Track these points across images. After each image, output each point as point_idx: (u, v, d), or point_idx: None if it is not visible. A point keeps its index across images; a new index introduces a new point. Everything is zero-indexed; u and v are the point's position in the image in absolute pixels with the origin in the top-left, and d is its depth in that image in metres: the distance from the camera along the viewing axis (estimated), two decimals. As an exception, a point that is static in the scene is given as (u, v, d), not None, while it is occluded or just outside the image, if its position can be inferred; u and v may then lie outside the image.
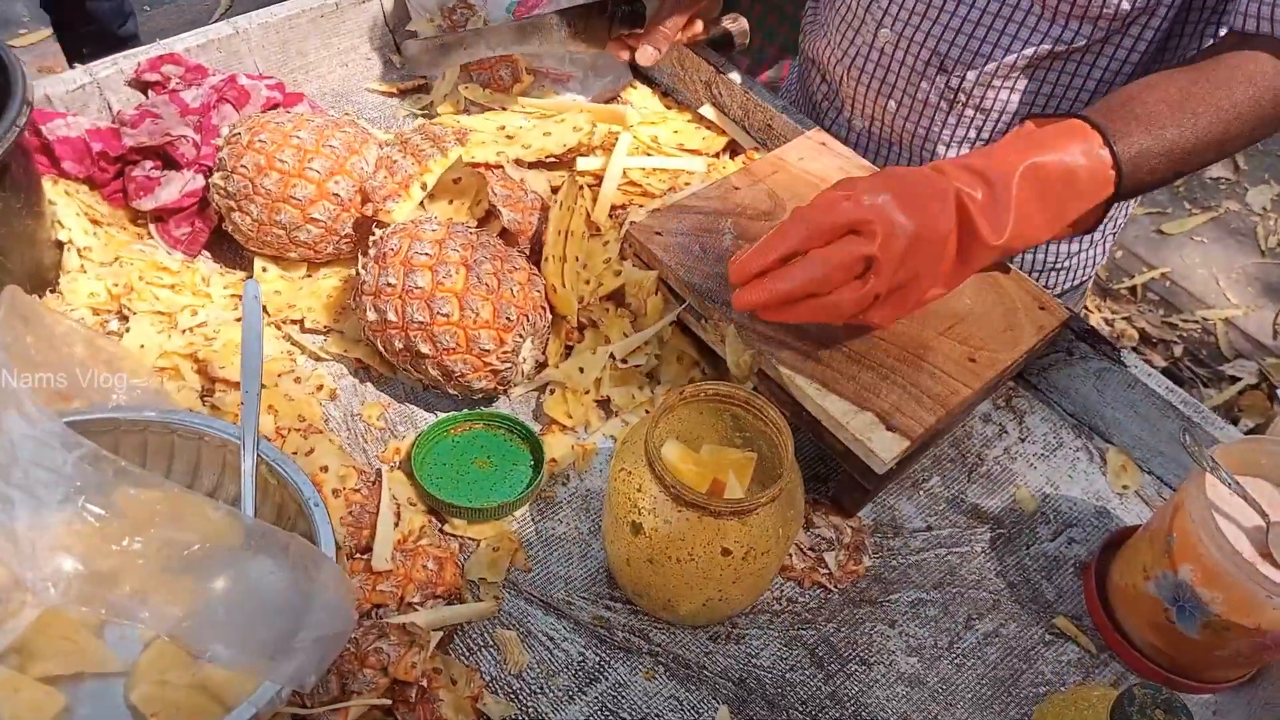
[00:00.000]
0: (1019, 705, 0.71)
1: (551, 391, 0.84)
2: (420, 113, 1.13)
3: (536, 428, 0.83)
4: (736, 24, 1.48)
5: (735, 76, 1.09)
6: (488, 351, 0.77)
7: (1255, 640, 0.67)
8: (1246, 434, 0.85)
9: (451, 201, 0.93)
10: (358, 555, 0.72)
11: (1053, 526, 0.82)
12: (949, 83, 0.99)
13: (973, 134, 1.02)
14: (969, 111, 1.00)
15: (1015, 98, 0.98)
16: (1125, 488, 0.85)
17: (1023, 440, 0.88)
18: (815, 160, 0.97)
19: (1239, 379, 2.34)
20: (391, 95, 1.16)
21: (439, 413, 0.84)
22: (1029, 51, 0.93)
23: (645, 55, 1.01)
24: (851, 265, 0.68)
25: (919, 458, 0.85)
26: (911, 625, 0.75)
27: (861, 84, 1.05)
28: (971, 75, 0.97)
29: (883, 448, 0.73)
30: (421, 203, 0.90)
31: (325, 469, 0.74)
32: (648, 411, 0.85)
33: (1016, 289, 0.87)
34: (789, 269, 0.70)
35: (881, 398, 0.77)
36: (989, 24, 0.94)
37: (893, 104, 1.04)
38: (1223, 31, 0.90)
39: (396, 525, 0.74)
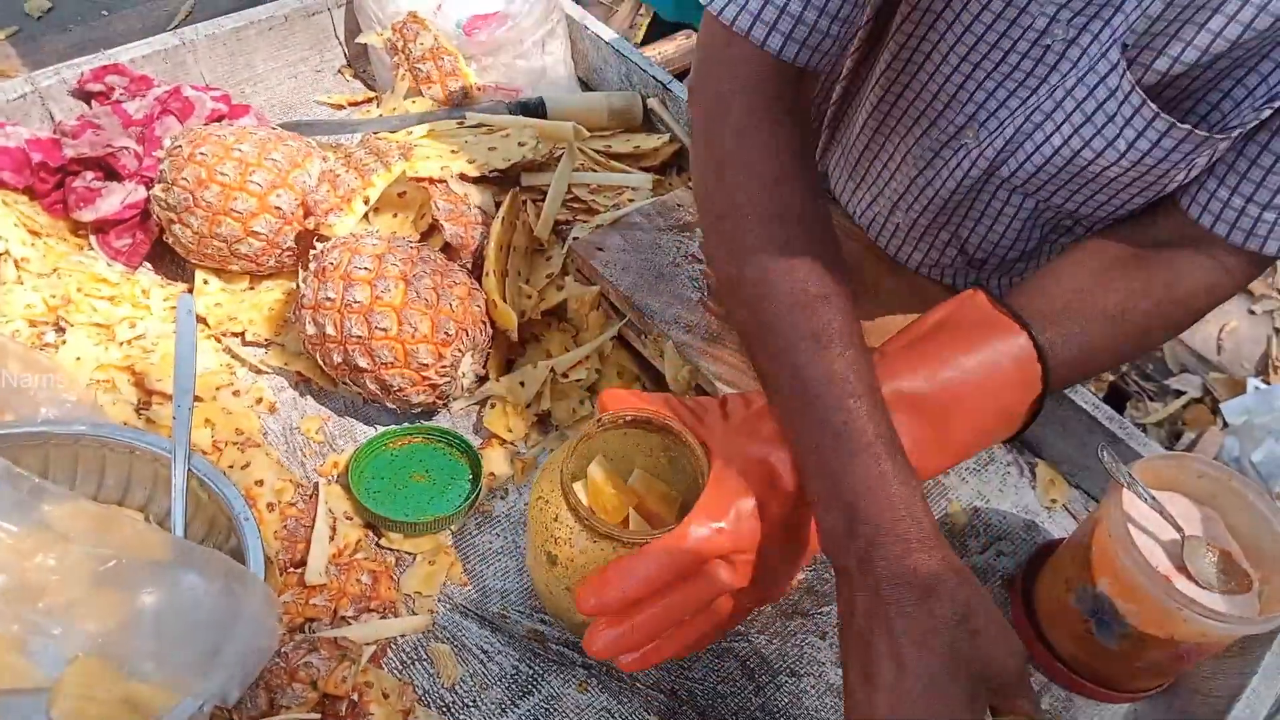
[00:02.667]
0: (944, 716, 0.72)
1: (492, 406, 0.85)
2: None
3: (476, 442, 0.83)
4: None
5: (684, 95, 1.11)
6: (426, 366, 0.78)
7: (1170, 652, 0.69)
8: (1188, 447, 0.88)
9: (395, 215, 0.94)
10: (291, 569, 0.72)
11: (982, 539, 0.84)
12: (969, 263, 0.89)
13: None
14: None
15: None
16: (1054, 502, 0.87)
17: (956, 455, 0.90)
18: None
19: (1184, 393, 2.40)
20: (341, 108, 1.16)
21: (378, 426, 0.84)
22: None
23: None
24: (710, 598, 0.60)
25: (854, 472, 0.86)
26: (842, 637, 0.76)
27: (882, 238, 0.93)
28: (993, 262, 0.88)
29: (814, 463, 0.75)
30: (365, 216, 0.90)
31: (261, 483, 0.74)
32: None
33: (950, 307, 0.89)
34: (644, 619, 0.58)
35: (815, 413, 0.78)
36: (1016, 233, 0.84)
37: (918, 254, 0.91)
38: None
39: (332, 539, 0.74)
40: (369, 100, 1.17)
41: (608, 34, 1.18)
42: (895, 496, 0.56)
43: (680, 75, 1.60)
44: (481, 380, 0.86)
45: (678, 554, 0.58)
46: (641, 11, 3.18)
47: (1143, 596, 0.67)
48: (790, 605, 0.77)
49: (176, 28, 1.10)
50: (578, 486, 0.65)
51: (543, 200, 0.96)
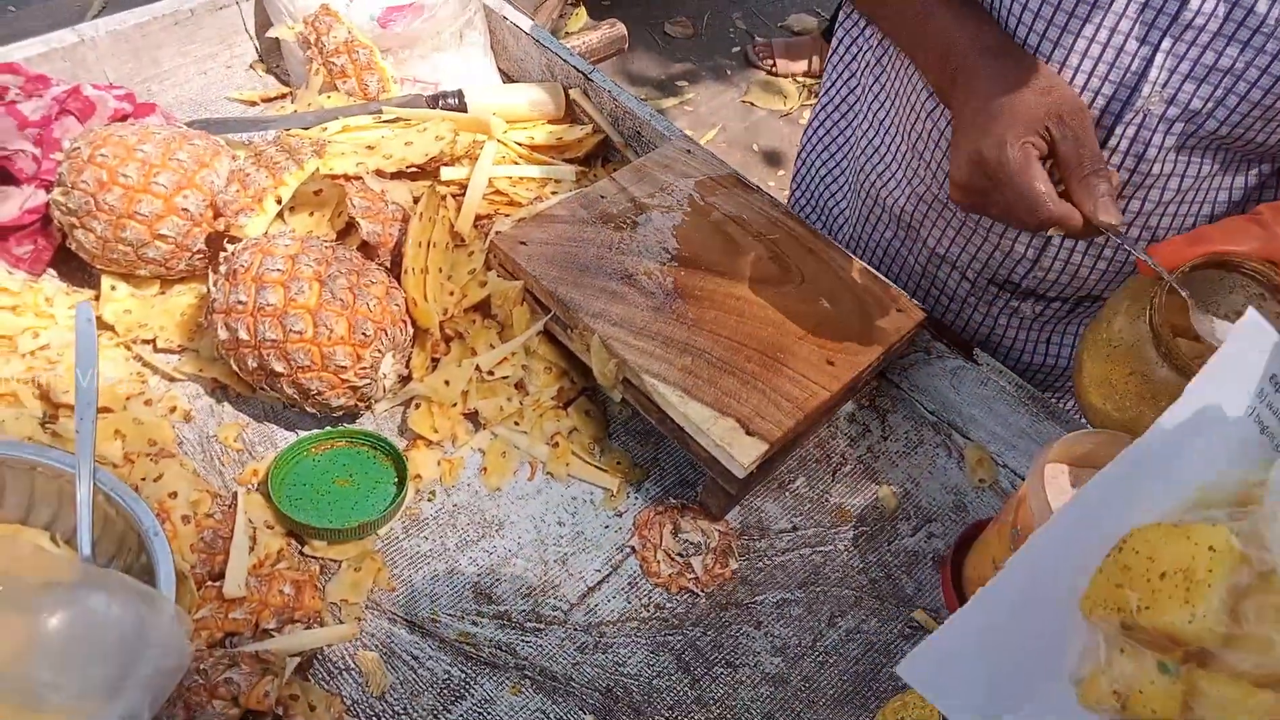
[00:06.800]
0: (879, 699, 0.73)
1: (417, 406, 0.83)
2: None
3: (401, 444, 0.82)
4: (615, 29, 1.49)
5: (607, 85, 1.09)
6: (344, 368, 0.76)
7: (1094, 624, 0.70)
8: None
9: (311, 213, 0.91)
10: (210, 583, 0.70)
11: (913, 522, 0.85)
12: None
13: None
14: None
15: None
16: (982, 481, 0.89)
17: (885, 439, 0.91)
18: (680, 166, 0.98)
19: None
20: (254, 104, 1.13)
21: (299, 431, 0.82)
22: None
23: None
24: None
25: (783, 459, 0.87)
26: (776, 625, 0.76)
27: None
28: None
29: (742, 453, 0.75)
30: (280, 215, 0.87)
31: (175, 495, 0.72)
32: (516, 423, 0.85)
33: (875, 291, 0.90)
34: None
35: (742, 403, 0.78)
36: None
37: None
38: None
39: (252, 549, 0.72)
40: (283, 96, 1.14)
41: (527, 24, 1.16)
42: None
43: (604, 60, 1.60)
44: (405, 380, 0.84)
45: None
46: (571, 1, 3.16)
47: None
48: (725, 596, 0.77)
49: (79, 24, 1.06)
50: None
51: (463, 195, 0.94)
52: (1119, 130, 0.79)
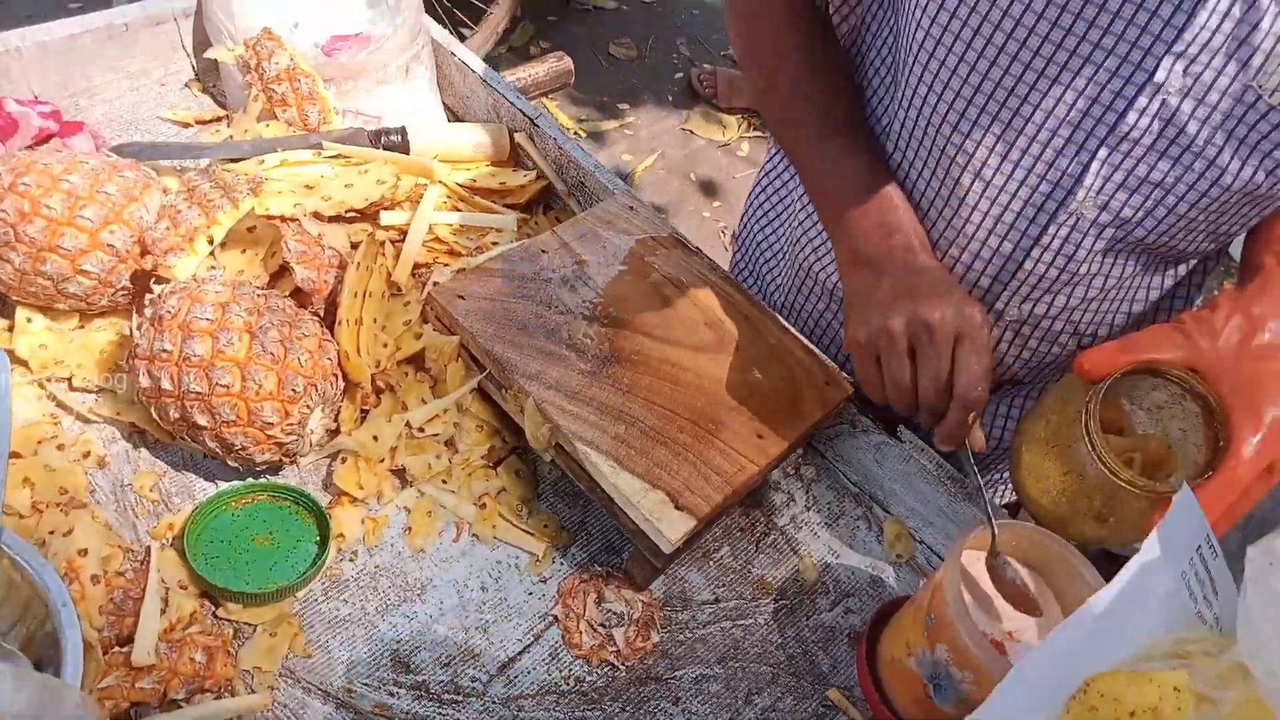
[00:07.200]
0: (791, 778, 0.74)
1: (343, 460, 0.82)
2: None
3: (325, 499, 0.80)
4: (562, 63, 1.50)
5: (552, 131, 1.09)
6: (271, 424, 0.74)
7: (1002, 715, 0.72)
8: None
9: (244, 250, 0.89)
10: (117, 648, 0.67)
11: (832, 596, 0.87)
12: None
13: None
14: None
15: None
16: (899, 557, 0.91)
17: (809, 508, 0.93)
18: (622, 223, 0.99)
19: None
20: (187, 125, 1.09)
21: (219, 482, 0.80)
22: None
23: None
24: None
25: (709, 529, 0.87)
26: (694, 702, 0.77)
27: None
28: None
29: (670, 528, 0.75)
30: (212, 251, 0.85)
31: (85, 552, 0.69)
32: (444, 481, 0.84)
33: (806, 362, 0.91)
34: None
35: (673, 475, 0.79)
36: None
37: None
38: None
39: (164, 612, 0.69)
40: (219, 119, 1.11)
41: (476, 63, 1.15)
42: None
43: (550, 94, 1.60)
44: (333, 433, 0.83)
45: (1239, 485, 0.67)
46: (517, 15, 3.14)
47: (977, 664, 0.70)
48: (645, 670, 0.78)
49: None
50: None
51: (402, 240, 0.93)
52: (1052, 230, 0.82)
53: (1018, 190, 0.81)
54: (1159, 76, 0.71)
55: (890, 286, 0.79)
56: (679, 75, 3.49)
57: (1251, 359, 0.69)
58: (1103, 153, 0.76)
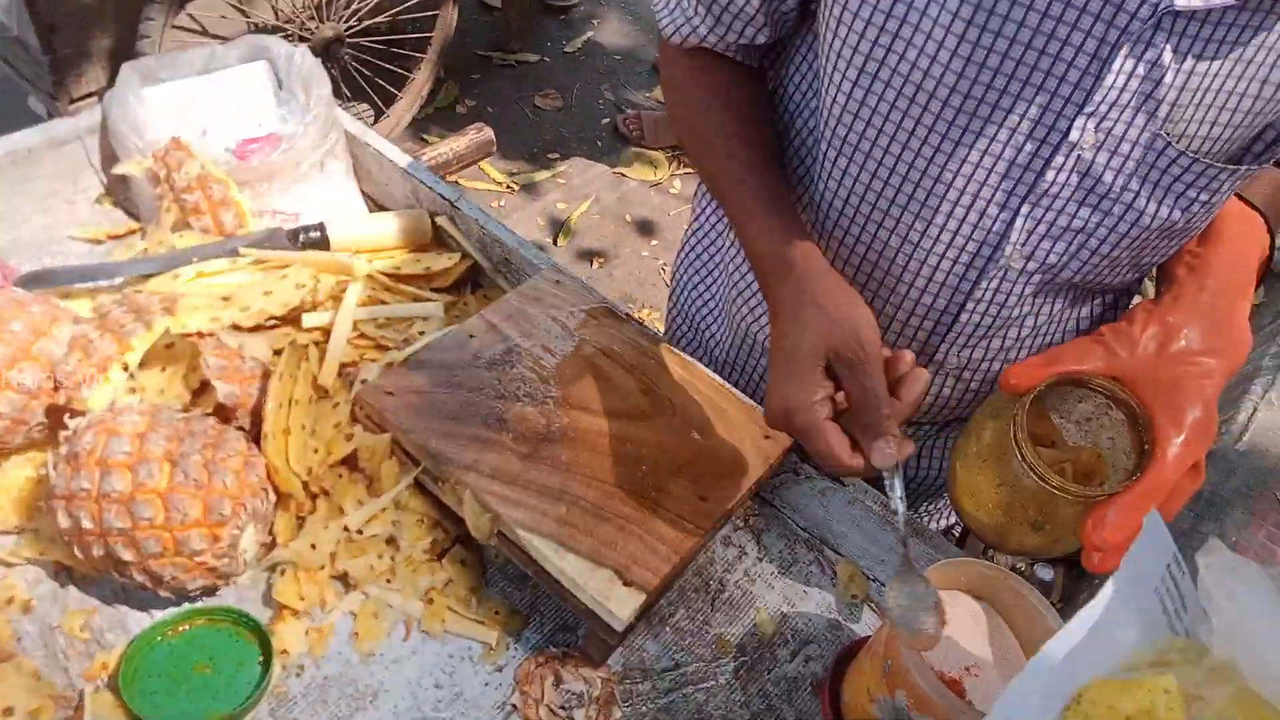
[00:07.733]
0: (766, 846, 0.73)
1: (282, 572, 0.80)
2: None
3: (266, 615, 0.79)
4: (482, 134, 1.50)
5: (473, 212, 1.09)
6: (200, 551, 0.72)
7: (969, 757, 0.72)
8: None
9: (164, 369, 0.87)
10: (56, 804, 0.65)
11: (791, 646, 0.86)
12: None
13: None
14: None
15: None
16: (854, 597, 0.91)
17: (761, 559, 0.92)
18: (550, 299, 0.99)
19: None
20: (100, 242, 1.08)
21: (153, 612, 0.78)
22: None
23: None
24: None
25: (663, 595, 0.87)
26: (662, 778, 0.76)
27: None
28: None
29: (620, 606, 0.75)
30: (130, 374, 0.84)
31: (10, 711, 0.67)
32: (389, 581, 0.83)
33: (743, 419, 0.92)
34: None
35: (619, 551, 0.78)
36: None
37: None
38: None
39: (105, 758, 0.67)
40: (132, 233, 1.09)
41: (391, 151, 1.15)
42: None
43: (473, 164, 1.60)
44: (269, 547, 0.81)
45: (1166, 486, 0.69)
46: (441, 77, 3.15)
47: (936, 709, 0.70)
48: (608, 752, 0.76)
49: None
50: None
51: (326, 342, 0.92)
52: (983, 284, 0.84)
53: (945, 252, 0.83)
54: (1073, 136, 0.73)
55: (771, 366, 0.78)
56: (605, 121, 3.53)
57: (1169, 364, 0.71)
58: (1025, 209, 0.78)
